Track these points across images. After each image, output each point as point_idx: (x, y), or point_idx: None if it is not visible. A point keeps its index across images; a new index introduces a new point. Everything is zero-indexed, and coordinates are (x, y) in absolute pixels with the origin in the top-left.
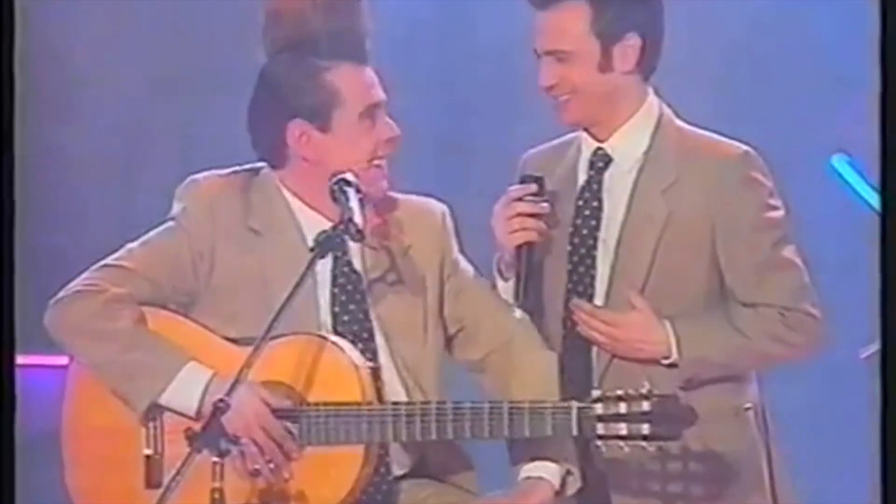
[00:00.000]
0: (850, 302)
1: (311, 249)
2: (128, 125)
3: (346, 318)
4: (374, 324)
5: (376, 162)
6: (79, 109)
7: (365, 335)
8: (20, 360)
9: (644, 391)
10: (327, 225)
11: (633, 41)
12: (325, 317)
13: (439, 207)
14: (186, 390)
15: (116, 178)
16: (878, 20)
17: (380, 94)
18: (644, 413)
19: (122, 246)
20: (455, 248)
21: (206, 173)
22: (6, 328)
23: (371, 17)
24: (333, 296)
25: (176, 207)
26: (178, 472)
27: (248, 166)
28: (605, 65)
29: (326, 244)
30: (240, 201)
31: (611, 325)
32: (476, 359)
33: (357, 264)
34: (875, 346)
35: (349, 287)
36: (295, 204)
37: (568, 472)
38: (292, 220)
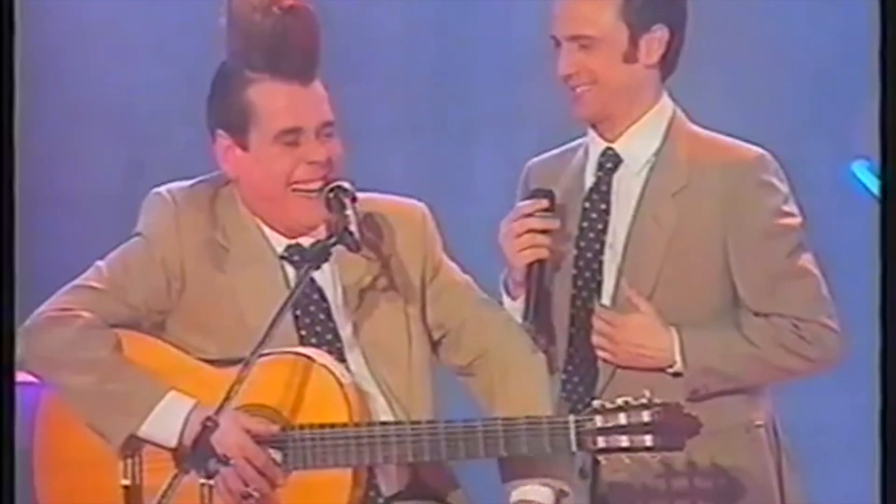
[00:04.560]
0: (870, 313)
1: (285, 259)
2: (130, 127)
3: (313, 340)
4: (348, 344)
5: (296, 187)
6: (80, 112)
7: (334, 356)
8: (20, 377)
9: (644, 400)
10: (283, 240)
11: (660, 33)
12: (293, 337)
13: (419, 209)
14: (166, 422)
15: (119, 185)
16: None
17: (306, 117)
18: (645, 424)
19: None
20: (438, 249)
21: (170, 185)
22: (6, 347)
23: (343, 31)
24: (296, 317)
25: (141, 222)
26: (163, 496)
27: (214, 174)
28: (631, 55)
29: (320, 256)
30: (205, 214)
31: (611, 325)
32: (462, 364)
33: (320, 280)
34: None
35: (311, 307)
36: (255, 216)
37: (561, 492)
38: (259, 232)
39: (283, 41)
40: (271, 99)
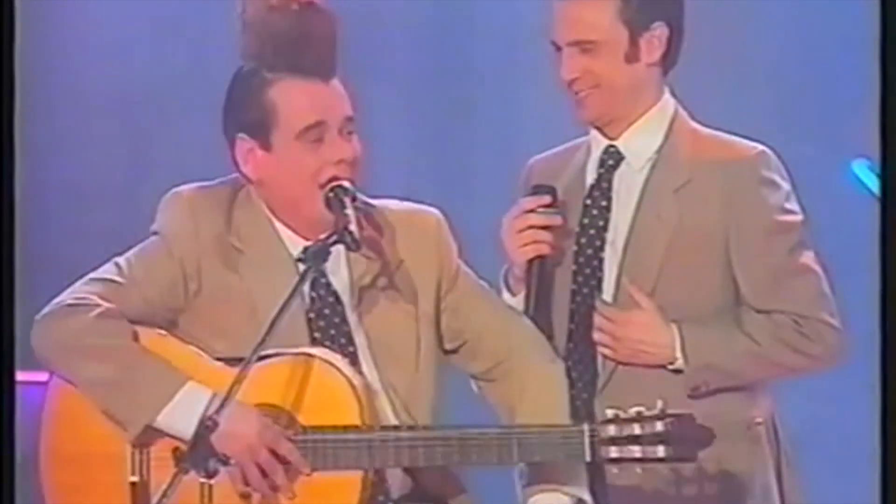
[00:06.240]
0: (870, 313)
1: (301, 261)
2: (131, 127)
3: (326, 343)
4: (360, 347)
5: (323, 185)
6: (81, 112)
7: (347, 360)
8: (20, 376)
9: (657, 411)
10: (302, 242)
11: (659, 31)
12: (305, 340)
13: (433, 216)
14: (185, 412)
15: (119, 186)
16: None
17: (329, 113)
18: (658, 434)
19: None
20: (454, 257)
21: (189, 186)
22: (6, 345)
23: (344, 30)
24: (309, 320)
25: (159, 221)
26: (163, 495)
27: (232, 176)
28: (632, 55)
29: (320, 255)
30: (222, 216)
31: (612, 322)
32: (480, 371)
33: (335, 283)
34: None
35: (326, 311)
36: (273, 219)
37: (580, 501)
38: (275, 234)
39: (301, 38)
40: (292, 97)
